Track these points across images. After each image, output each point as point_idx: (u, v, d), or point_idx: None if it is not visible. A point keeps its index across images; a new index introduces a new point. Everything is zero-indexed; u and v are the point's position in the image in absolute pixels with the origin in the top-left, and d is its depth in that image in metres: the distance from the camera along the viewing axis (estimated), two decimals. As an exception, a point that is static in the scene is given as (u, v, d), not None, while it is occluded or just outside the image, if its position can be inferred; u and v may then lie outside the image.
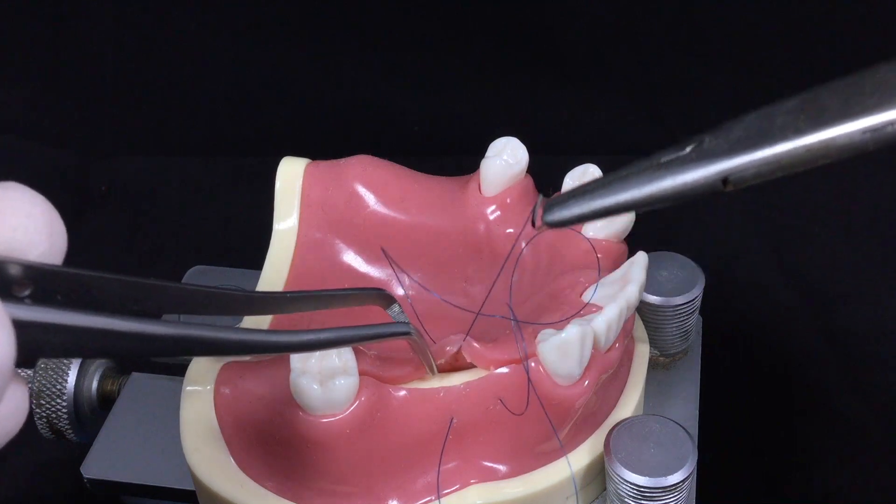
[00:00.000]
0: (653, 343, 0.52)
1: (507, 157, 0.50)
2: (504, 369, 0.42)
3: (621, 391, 0.48)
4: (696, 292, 0.52)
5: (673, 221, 0.78)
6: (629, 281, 0.44)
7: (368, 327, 0.40)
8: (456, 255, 0.51)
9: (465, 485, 0.44)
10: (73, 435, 0.55)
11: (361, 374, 0.41)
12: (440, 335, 0.45)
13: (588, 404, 0.43)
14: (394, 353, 0.43)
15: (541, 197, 0.37)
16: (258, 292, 0.41)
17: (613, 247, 0.47)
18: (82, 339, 0.29)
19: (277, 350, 0.36)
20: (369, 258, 0.52)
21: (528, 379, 0.42)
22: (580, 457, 0.45)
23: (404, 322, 0.42)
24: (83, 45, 0.86)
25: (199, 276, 0.59)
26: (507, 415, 0.42)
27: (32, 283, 0.30)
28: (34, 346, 0.28)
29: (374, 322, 0.42)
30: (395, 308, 0.45)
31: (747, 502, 0.59)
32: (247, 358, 0.48)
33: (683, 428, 0.45)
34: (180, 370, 0.48)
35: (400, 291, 0.52)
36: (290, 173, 0.52)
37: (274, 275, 0.51)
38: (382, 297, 0.45)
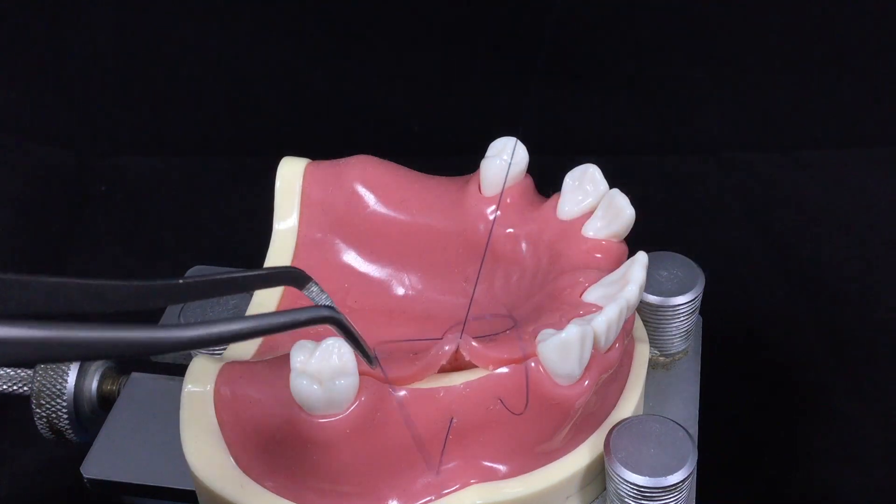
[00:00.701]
0: (653, 343, 0.52)
1: (507, 157, 0.50)
2: (504, 369, 0.42)
3: (621, 391, 0.48)
4: (696, 292, 0.52)
5: (673, 221, 0.78)
6: (629, 281, 0.44)
7: (282, 314, 0.35)
8: (456, 255, 0.51)
9: (465, 485, 0.44)
10: (73, 435, 0.55)
11: (361, 374, 0.41)
12: (440, 336, 0.45)
13: (588, 404, 0.43)
14: (394, 354, 0.43)
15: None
16: (157, 283, 0.36)
17: (613, 247, 0.47)
18: None
19: (174, 349, 0.32)
20: (369, 258, 0.52)
21: (527, 378, 0.42)
22: (580, 457, 0.45)
23: (326, 305, 0.38)
24: (83, 45, 0.86)
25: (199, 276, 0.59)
26: (507, 415, 0.42)
27: None
28: None
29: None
30: (313, 288, 0.41)
31: (747, 502, 0.59)
32: (247, 357, 0.48)
33: (683, 428, 0.45)
34: (180, 370, 0.48)
35: (400, 291, 0.52)
36: (290, 173, 0.52)
37: (274, 275, 0.51)
38: (295, 276, 0.41)
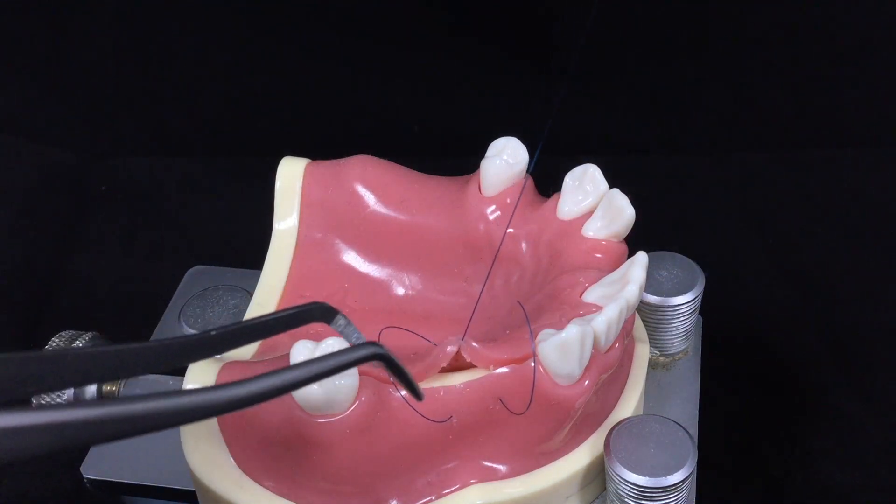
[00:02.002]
0: (653, 343, 0.52)
1: (507, 157, 0.50)
2: (504, 369, 0.42)
3: (621, 391, 0.48)
4: (696, 292, 0.52)
5: (673, 221, 0.78)
6: (629, 281, 0.44)
7: (328, 358, 0.33)
8: (456, 255, 0.51)
9: (465, 485, 0.44)
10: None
11: (362, 374, 0.41)
12: (440, 336, 0.45)
13: (588, 404, 0.43)
14: (395, 354, 0.43)
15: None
16: (185, 338, 0.35)
17: (613, 247, 0.47)
18: None
19: (217, 412, 0.30)
20: (369, 258, 0.52)
21: (534, 378, 0.42)
22: (580, 457, 0.45)
23: (371, 342, 0.35)
24: (83, 45, 0.86)
25: (199, 275, 0.59)
26: (507, 415, 0.42)
27: None
28: None
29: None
30: (341, 321, 0.39)
31: (747, 502, 0.59)
32: (247, 358, 0.48)
33: (683, 428, 0.45)
34: (180, 370, 0.48)
35: (400, 291, 0.52)
36: (290, 173, 0.52)
37: (274, 275, 0.51)
38: (323, 310, 0.39)
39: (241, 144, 0.87)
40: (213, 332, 0.35)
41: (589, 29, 0.69)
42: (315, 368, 0.32)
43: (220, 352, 0.35)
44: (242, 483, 0.44)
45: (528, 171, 0.50)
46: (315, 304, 0.39)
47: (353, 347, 0.34)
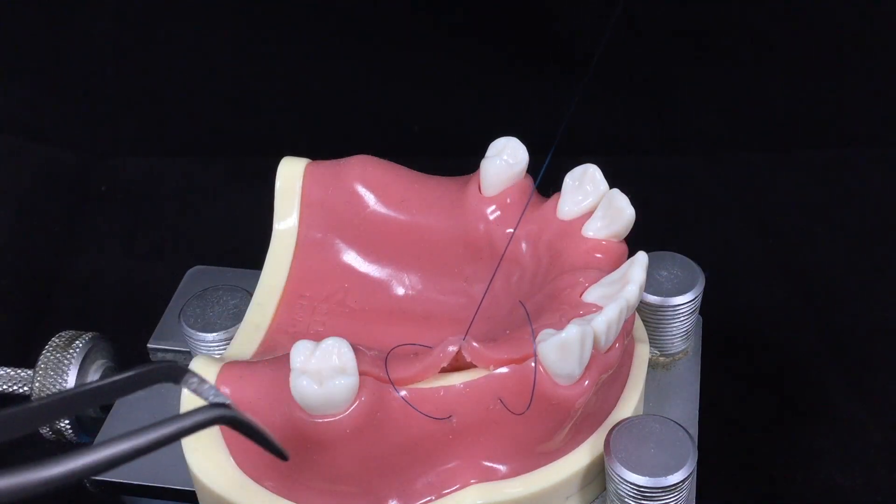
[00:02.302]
0: (653, 343, 0.52)
1: (507, 157, 0.50)
2: (504, 369, 0.42)
3: (621, 391, 0.48)
4: (696, 292, 0.52)
5: (673, 221, 0.78)
6: (629, 281, 0.44)
7: (173, 421, 0.32)
8: (456, 255, 0.51)
9: (465, 485, 0.44)
10: (73, 435, 0.55)
11: (361, 374, 0.41)
12: (440, 336, 0.45)
13: (588, 404, 0.43)
14: (396, 354, 0.43)
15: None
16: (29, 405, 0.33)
17: (613, 247, 0.47)
18: None
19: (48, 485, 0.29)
20: (369, 258, 0.52)
21: (535, 378, 0.42)
22: (580, 457, 0.45)
23: (221, 404, 0.33)
24: (83, 45, 0.86)
25: (199, 275, 0.59)
26: (507, 415, 0.42)
27: None
28: None
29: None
30: (193, 380, 0.36)
31: (747, 502, 0.59)
32: (247, 358, 0.48)
33: (683, 428, 0.45)
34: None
35: (400, 291, 0.52)
36: (290, 173, 0.52)
37: (274, 275, 0.51)
38: (171, 370, 0.36)
39: (241, 144, 0.87)
40: (46, 400, 0.33)
41: (610, 32, 0.69)
42: (154, 436, 0.31)
43: (55, 419, 0.34)
44: (242, 483, 0.44)
45: (541, 173, 0.50)
46: (164, 363, 0.38)
47: (198, 410, 0.33)
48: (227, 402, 0.34)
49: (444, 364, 0.42)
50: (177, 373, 0.36)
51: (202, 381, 0.36)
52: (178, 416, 0.32)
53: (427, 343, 0.44)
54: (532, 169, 0.51)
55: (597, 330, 0.42)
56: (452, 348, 0.42)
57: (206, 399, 0.36)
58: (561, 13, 0.83)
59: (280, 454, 0.36)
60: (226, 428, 0.44)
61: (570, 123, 0.82)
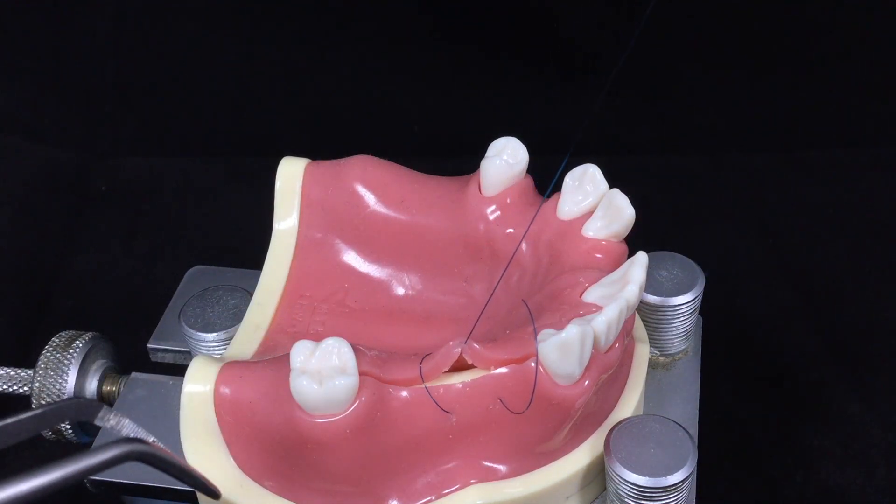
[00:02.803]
0: (653, 343, 0.52)
1: (507, 157, 0.50)
2: (504, 369, 0.42)
3: (621, 391, 0.48)
4: (696, 292, 0.52)
5: (673, 221, 0.78)
6: (629, 281, 0.44)
7: (84, 458, 0.30)
8: (456, 255, 0.51)
9: (465, 485, 0.44)
10: (73, 435, 0.55)
11: (361, 374, 0.41)
12: (440, 336, 0.45)
13: (588, 404, 0.43)
14: (396, 355, 0.43)
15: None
16: None
17: (613, 247, 0.47)
18: None
19: None
20: (369, 258, 0.52)
21: (535, 378, 0.42)
22: (580, 457, 0.45)
23: (135, 439, 0.32)
24: (83, 45, 0.86)
25: (199, 275, 0.59)
26: (508, 414, 0.42)
27: None
28: None
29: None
30: (109, 416, 0.35)
31: (747, 502, 0.59)
32: (247, 358, 0.48)
33: (683, 428, 0.45)
34: (180, 370, 0.48)
35: (400, 291, 0.52)
36: (290, 173, 0.52)
37: (274, 275, 0.51)
38: (82, 406, 0.34)
39: (241, 144, 0.87)
40: None
41: (637, 36, 0.69)
42: (58, 475, 0.30)
43: None
44: (242, 483, 0.44)
45: (555, 178, 0.49)
46: (74, 399, 0.37)
47: (108, 445, 0.31)
48: (145, 437, 0.32)
49: (448, 366, 0.42)
50: (91, 409, 0.34)
51: (116, 415, 0.35)
52: (87, 453, 0.31)
53: (427, 343, 0.44)
54: (532, 169, 0.51)
55: (597, 330, 0.42)
56: (457, 350, 0.42)
57: (122, 434, 0.35)
58: (561, 13, 0.83)
59: (211, 493, 0.35)
60: (225, 428, 0.44)
61: (569, 123, 0.82)
